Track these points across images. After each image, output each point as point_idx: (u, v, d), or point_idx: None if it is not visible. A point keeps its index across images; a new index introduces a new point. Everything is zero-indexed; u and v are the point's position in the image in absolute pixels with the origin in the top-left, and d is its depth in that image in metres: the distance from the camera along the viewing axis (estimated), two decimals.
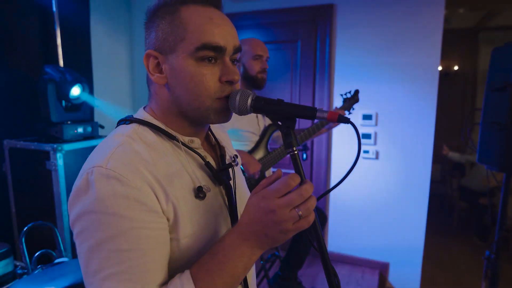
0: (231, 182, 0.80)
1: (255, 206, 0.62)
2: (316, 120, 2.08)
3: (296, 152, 0.66)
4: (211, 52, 0.68)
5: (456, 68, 5.69)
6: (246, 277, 0.78)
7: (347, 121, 0.64)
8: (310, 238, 0.69)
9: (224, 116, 0.73)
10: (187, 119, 0.74)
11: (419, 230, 2.87)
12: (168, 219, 0.66)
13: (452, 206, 4.65)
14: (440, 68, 5.75)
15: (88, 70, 2.68)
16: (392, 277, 3.04)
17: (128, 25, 3.16)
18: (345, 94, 2.19)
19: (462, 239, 4.23)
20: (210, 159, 0.78)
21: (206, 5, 0.70)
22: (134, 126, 0.72)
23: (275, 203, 0.59)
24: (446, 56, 5.57)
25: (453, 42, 5.52)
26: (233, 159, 0.86)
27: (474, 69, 5.51)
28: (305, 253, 2.26)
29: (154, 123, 0.73)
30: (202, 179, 0.75)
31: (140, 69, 3.26)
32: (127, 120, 0.75)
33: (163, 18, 0.70)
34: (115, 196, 0.60)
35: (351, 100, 2.17)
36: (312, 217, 0.61)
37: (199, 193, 0.71)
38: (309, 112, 0.65)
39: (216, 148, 0.85)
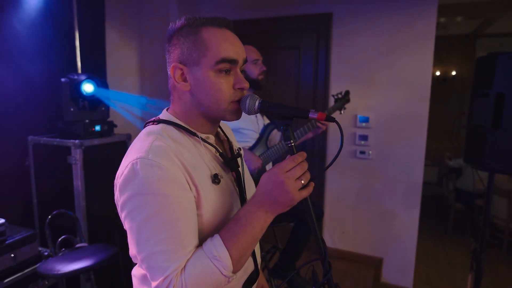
0: (240, 169, 0.98)
1: (268, 179, 0.79)
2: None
3: (293, 144, 0.84)
4: (227, 64, 0.86)
5: (454, 73, 5.84)
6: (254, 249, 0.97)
7: (332, 120, 0.82)
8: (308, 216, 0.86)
9: (236, 115, 0.91)
10: (206, 118, 0.91)
11: (412, 227, 3.00)
12: (194, 197, 0.83)
13: (449, 208, 4.77)
14: (438, 73, 5.91)
15: (103, 72, 2.87)
16: (386, 272, 3.17)
17: (138, 32, 3.34)
18: (337, 95, 2.35)
19: (458, 240, 4.33)
20: (222, 151, 0.96)
21: (222, 27, 0.88)
22: (161, 125, 0.90)
23: (284, 176, 0.77)
24: (444, 61, 5.72)
25: (451, 48, 5.68)
26: (238, 150, 1.04)
27: (471, 74, 5.64)
28: (303, 245, 2.42)
29: (177, 122, 0.91)
30: (216, 168, 0.92)
31: (147, 73, 3.43)
32: (155, 121, 0.93)
33: (186, 37, 0.87)
34: (158, 180, 0.77)
35: (342, 100, 2.33)
36: (311, 188, 0.80)
37: (215, 179, 0.89)
38: (303, 113, 0.82)
39: (225, 143, 1.03)
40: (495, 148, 1.76)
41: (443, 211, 5.16)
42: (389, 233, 3.11)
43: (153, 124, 0.92)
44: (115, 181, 0.84)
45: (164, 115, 0.94)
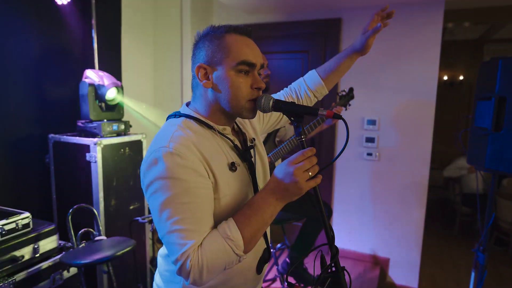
0: (253, 159, 1.07)
1: (280, 170, 0.89)
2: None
3: (303, 139, 0.93)
4: (246, 67, 0.96)
5: (461, 77, 5.88)
6: (266, 231, 1.06)
7: (339, 117, 0.90)
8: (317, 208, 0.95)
9: (252, 113, 1.00)
10: (224, 113, 1.01)
11: (417, 228, 3.06)
12: (212, 183, 0.93)
13: (455, 211, 4.81)
14: (445, 77, 5.94)
15: (118, 74, 2.98)
16: (392, 272, 3.23)
17: (152, 37, 3.46)
18: (342, 92, 2.44)
19: (464, 243, 4.36)
20: (237, 143, 1.06)
21: (243, 35, 0.99)
22: (182, 119, 1.00)
23: (293, 167, 0.86)
24: (451, 66, 5.76)
25: (459, 53, 5.72)
26: (252, 141, 1.13)
27: None
28: (311, 243, 2.50)
29: (197, 117, 1.01)
30: (233, 157, 1.02)
31: (160, 75, 3.54)
32: (177, 115, 1.03)
33: (211, 41, 0.97)
34: (178, 166, 0.87)
35: (347, 97, 2.42)
36: (318, 179, 0.89)
37: (232, 166, 0.99)
38: (313, 111, 0.91)
39: (239, 135, 1.12)
40: (497, 149, 1.82)
41: (449, 214, 5.19)
42: (395, 234, 3.18)
43: (174, 117, 1.03)
44: (140, 168, 0.94)
45: (184, 110, 1.04)
